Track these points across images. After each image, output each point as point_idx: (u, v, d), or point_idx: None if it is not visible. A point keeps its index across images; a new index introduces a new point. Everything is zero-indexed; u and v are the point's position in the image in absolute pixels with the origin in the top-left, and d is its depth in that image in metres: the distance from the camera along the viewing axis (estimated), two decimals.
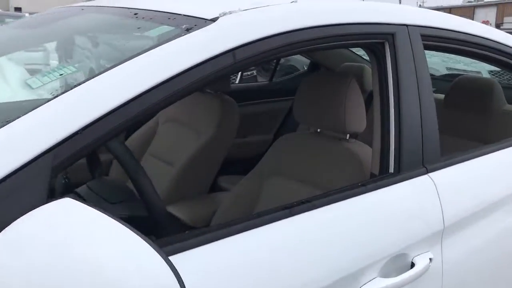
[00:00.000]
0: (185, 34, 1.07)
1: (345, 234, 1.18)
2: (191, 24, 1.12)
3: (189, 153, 2.11)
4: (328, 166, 1.69)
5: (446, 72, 5.12)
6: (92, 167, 1.44)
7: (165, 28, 1.17)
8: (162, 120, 2.40)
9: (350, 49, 3.11)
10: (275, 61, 3.48)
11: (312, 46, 1.27)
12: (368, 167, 1.51)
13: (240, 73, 6.29)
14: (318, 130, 1.80)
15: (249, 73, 6.05)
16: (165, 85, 0.98)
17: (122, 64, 0.99)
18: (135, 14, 1.31)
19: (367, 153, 1.58)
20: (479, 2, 44.53)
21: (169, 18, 1.21)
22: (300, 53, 1.11)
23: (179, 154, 2.16)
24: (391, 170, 1.34)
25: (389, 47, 1.41)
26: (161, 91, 0.97)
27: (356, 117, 1.63)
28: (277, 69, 3.61)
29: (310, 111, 1.73)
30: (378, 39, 1.41)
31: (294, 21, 1.20)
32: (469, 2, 47.03)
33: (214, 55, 1.05)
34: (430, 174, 1.39)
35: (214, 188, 2.81)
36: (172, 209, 2.02)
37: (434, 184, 1.37)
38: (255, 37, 1.11)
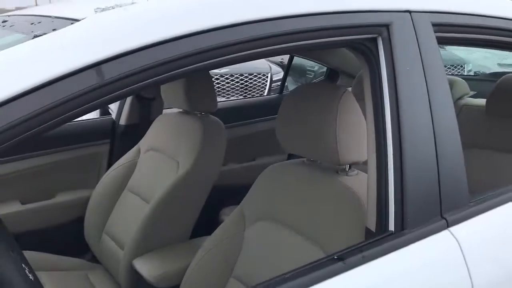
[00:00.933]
0: None
1: None
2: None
3: (164, 189, 1.74)
4: (322, 208, 1.26)
5: (497, 69, 4.48)
6: None
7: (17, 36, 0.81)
8: (143, 149, 2.04)
9: None
10: (286, 69, 3.07)
11: (250, 52, 0.85)
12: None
13: (269, 82, 5.93)
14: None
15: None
16: None
17: None
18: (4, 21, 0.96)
19: None
20: None
21: (32, 24, 0.84)
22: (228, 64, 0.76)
23: (156, 189, 1.79)
24: (391, 226, 0.90)
25: (383, 44, 0.98)
26: None
27: (353, 144, 1.19)
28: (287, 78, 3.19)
29: (295, 137, 1.31)
30: (366, 34, 0.98)
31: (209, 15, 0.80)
32: None
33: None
34: (452, 228, 0.93)
35: (216, 222, 2.43)
36: (137, 264, 1.65)
37: (459, 244, 0.91)
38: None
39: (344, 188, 1.23)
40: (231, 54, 0.82)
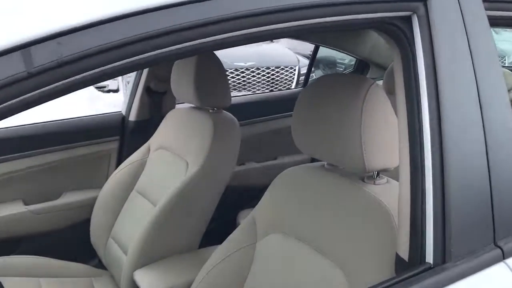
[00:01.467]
0: None
1: None
2: None
3: (170, 192, 1.57)
4: (344, 223, 1.07)
5: None
6: None
7: None
8: (153, 147, 1.88)
9: None
10: (310, 61, 2.85)
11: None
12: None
13: (297, 75, 5.70)
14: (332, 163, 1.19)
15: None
16: None
17: None
18: None
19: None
20: None
21: None
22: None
23: (163, 192, 1.63)
24: (429, 257, 0.70)
25: (420, 24, 0.77)
26: None
27: (381, 147, 0.99)
28: (313, 70, 2.97)
29: (313, 137, 1.12)
30: (398, 11, 0.78)
31: None
32: None
33: None
34: (509, 260, 0.72)
35: (233, 225, 2.26)
36: (138, 275, 1.49)
37: None
38: None
39: (371, 199, 1.03)
40: (233, 32, 0.64)
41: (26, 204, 1.93)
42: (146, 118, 2.11)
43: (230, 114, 1.74)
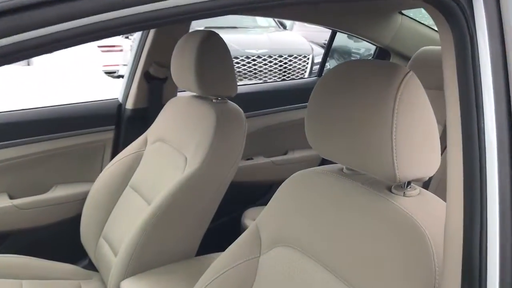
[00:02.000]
0: None
1: None
2: None
3: (166, 190, 1.40)
4: (363, 240, 0.88)
5: None
6: None
7: None
8: (151, 139, 1.70)
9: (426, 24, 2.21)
10: (326, 49, 2.64)
11: None
12: (441, 253, 0.68)
13: (310, 64, 5.48)
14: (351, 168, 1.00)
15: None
16: None
17: None
18: None
19: (438, 220, 0.75)
20: None
21: None
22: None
23: (159, 190, 1.46)
24: None
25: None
26: None
27: (417, 153, 0.80)
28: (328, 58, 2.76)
29: (330, 136, 0.93)
30: None
31: None
32: None
33: None
34: None
35: (238, 224, 2.08)
36: (124, 286, 1.32)
37: None
38: None
39: (400, 215, 0.84)
40: None
41: (11, 197, 1.76)
42: (144, 107, 1.92)
43: (235, 104, 1.55)
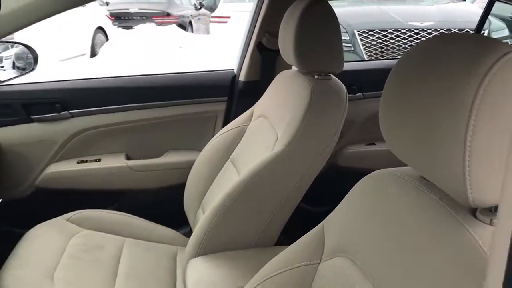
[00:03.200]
0: None
1: None
2: None
3: (251, 170, 1.30)
4: (434, 269, 0.68)
5: None
6: None
7: None
8: (256, 114, 1.62)
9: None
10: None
11: None
12: None
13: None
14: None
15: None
16: None
17: None
18: None
19: None
20: None
21: None
22: None
23: (249, 167, 1.37)
24: None
25: None
26: None
27: (496, 171, 0.57)
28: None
29: (403, 135, 0.72)
30: None
31: None
32: None
33: None
34: None
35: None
36: (189, 268, 1.27)
37: None
38: None
39: (477, 255, 0.61)
40: None
41: (128, 158, 1.87)
42: (256, 79, 1.84)
43: (339, 82, 1.37)
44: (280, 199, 1.33)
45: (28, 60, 2.07)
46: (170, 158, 1.88)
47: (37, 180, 1.83)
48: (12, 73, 2.02)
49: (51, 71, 4.15)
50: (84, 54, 6.84)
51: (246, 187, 1.30)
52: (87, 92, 1.80)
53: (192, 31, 9.59)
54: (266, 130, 1.47)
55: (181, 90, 1.88)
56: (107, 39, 7.65)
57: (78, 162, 1.83)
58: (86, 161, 1.83)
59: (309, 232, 1.00)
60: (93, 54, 7.06)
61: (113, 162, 1.83)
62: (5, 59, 2.08)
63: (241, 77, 1.86)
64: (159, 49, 6.70)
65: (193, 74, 1.92)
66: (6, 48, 2.06)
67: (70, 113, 1.79)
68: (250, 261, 1.28)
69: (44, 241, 1.45)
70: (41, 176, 1.83)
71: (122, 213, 1.69)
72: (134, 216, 1.69)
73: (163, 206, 1.85)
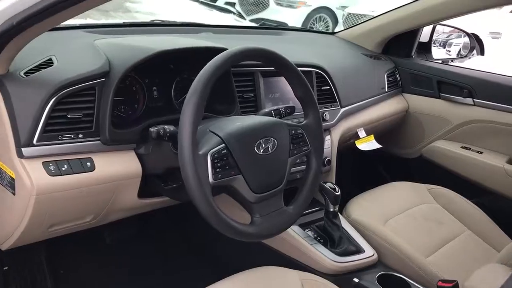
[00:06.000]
0: None
1: None
2: None
3: None
4: None
5: None
6: None
7: None
8: None
9: None
10: None
11: None
12: None
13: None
14: None
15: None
16: None
17: None
18: None
19: None
20: None
21: None
22: None
23: None
24: None
25: None
26: None
27: None
28: None
29: None
30: None
31: None
32: None
33: None
34: None
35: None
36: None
37: None
38: None
39: None
40: None
41: (510, 163, 1.83)
42: None
43: None
44: None
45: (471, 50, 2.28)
46: None
47: (424, 148, 2.07)
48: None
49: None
50: None
51: None
52: (496, 87, 1.85)
53: None
54: None
55: None
56: None
57: (461, 147, 1.94)
58: (469, 149, 1.93)
59: None
60: None
61: (492, 159, 1.84)
62: (454, 45, 2.33)
63: None
64: None
65: None
66: (459, 36, 2.31)
67: (474, 101, 1.90)
68: None
69: (401, 195, 1.68)
70: (428, 147, 2.05)
71: (474, 205, 1.68)
72: (482, 212, 1.65)
73: None
